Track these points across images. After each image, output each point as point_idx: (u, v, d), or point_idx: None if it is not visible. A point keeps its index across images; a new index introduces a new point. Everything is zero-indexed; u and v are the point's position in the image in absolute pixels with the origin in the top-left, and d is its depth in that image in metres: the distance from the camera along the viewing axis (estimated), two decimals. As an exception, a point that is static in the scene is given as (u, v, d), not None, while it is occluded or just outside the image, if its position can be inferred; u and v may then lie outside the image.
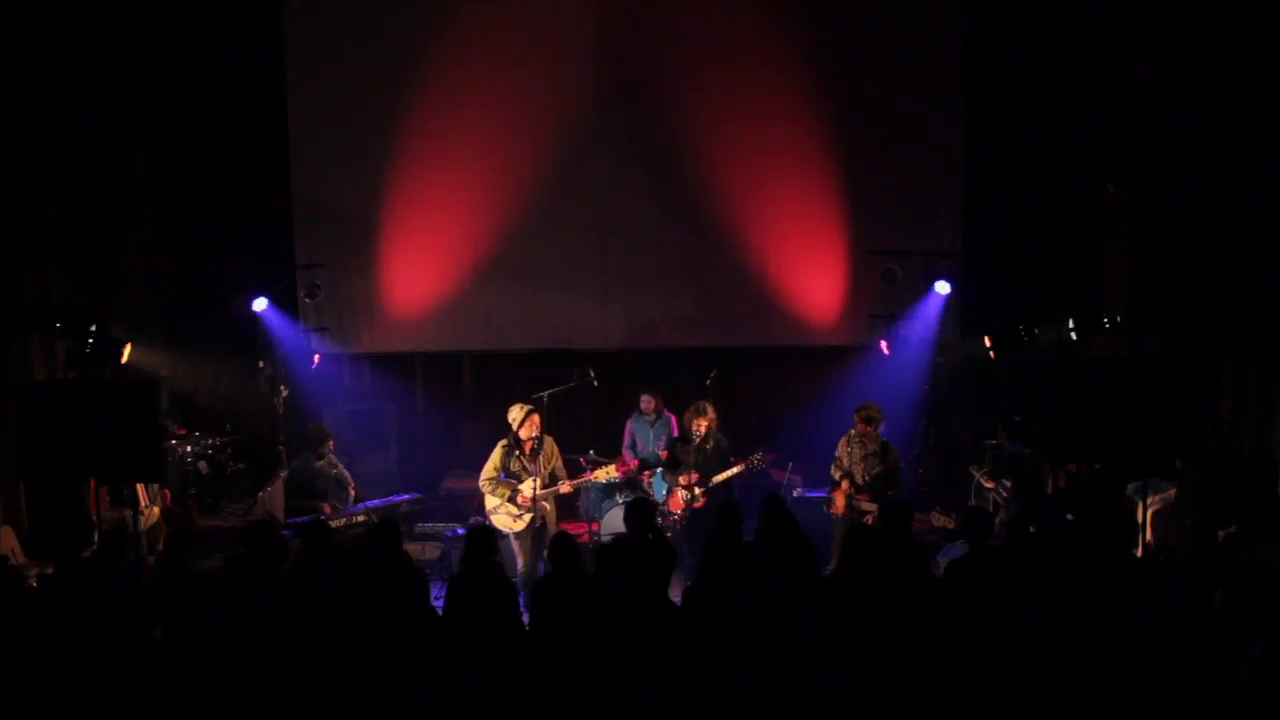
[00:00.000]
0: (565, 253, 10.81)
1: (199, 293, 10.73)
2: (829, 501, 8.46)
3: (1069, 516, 7.98)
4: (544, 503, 8.12)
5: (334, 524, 8.48)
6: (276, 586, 5.89)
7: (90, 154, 9.41)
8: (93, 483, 7.58)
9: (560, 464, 8.29)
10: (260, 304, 9.97)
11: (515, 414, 8.21)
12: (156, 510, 8.96)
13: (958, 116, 10.66)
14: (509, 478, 8.19)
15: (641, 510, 6.49)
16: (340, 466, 9.52)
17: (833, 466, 8.52)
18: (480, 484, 8.27)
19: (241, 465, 10.59)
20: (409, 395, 11.49)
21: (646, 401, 9.66)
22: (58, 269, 9.31)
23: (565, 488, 8.18)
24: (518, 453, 8.17)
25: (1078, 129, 10.32)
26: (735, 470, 8.42)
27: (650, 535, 6.49)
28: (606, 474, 8.51)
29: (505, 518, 8.20)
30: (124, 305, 9.86)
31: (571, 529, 8.45)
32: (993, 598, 5.67)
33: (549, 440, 8.26)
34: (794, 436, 10.33)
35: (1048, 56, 10.31)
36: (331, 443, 9.47)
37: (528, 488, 8.10)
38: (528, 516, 8.10)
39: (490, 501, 8.24)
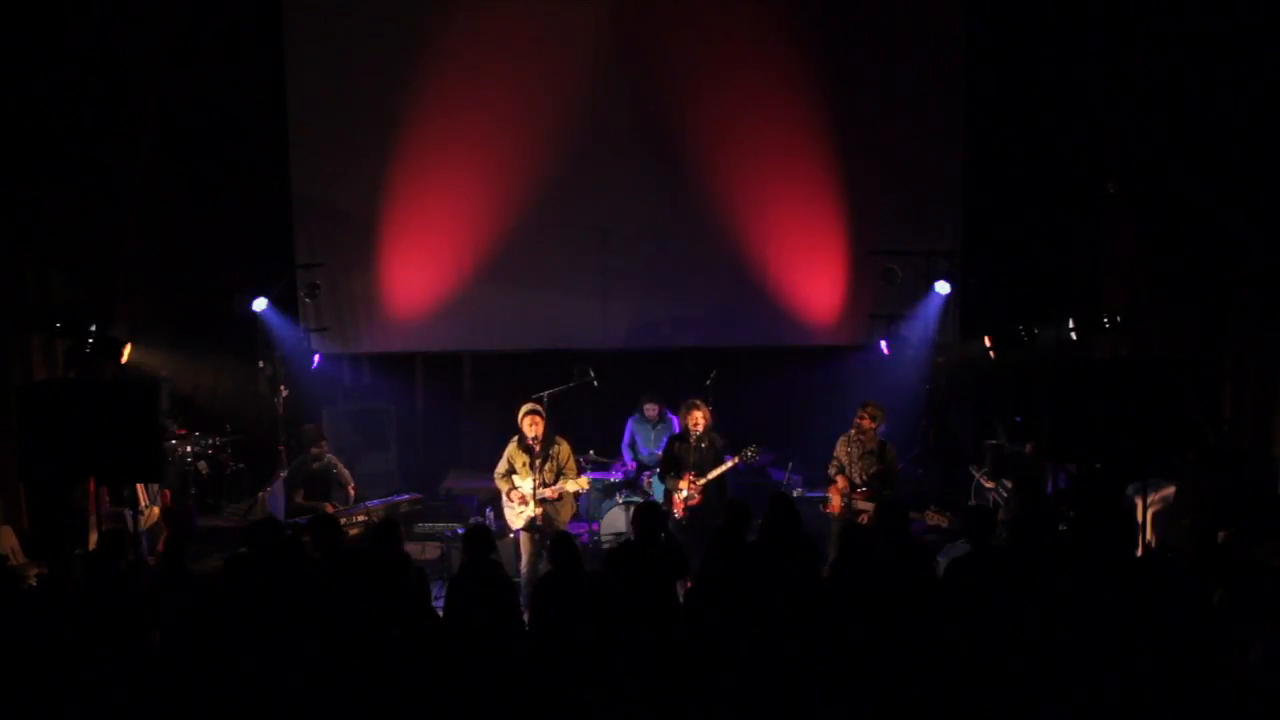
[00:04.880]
0: (565, 253, 10.81)
1: (199, 293, 10.71)
2: (825, 500, 8.47)
3: (1070, 516, 7.98)
4: (547, 505, 8.12)
5: (334, 524, 8.49)
6: (276, 587, 5.89)
7: (90, 154, 9.39)
8: (92, 482, 7.58)
9: (572, 467, 8.28)
10: (260, 304, 9.96)
11: (520, 413, 8.26)
12: (156, 510, 8.95)
13: (958, 117, 10.68)
14: (512, 474, 8.22)
15: (652, 514, 6.48)
16: (340, 466, 9.52)
17: (830, 466, 8.52)
18: (494, 476, 8.34)
19: (241, 465, 10.58)
20: (409, 395, 11.49)
21: (650, 410, 9.68)
22: (58, 269, 9.30)
23: (549, 493, 8.15)
24: (522, 452, 8.19)
25: (1078, 128, 10.32)
26: (729, 465, 8.42)
27: (663, 537, 6.49)
28: (576, 486, 8.46)
29: (510, 511, 8.25)
30: (124, 305, 9.84)
31: (571, 529, 8.46)
32: (993, 597, 5.67)
33: (562, 444, 8.26)
34: (793, 436, 10.35)
35: (1048, 57, 10.32)
36: (325, 444, 9.47)
37: (526, 486, 8.11)
38: (526, 515, 8.12)
39: (503, 496, 8.30)
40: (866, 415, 8.37)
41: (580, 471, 8.63)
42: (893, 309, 10.40)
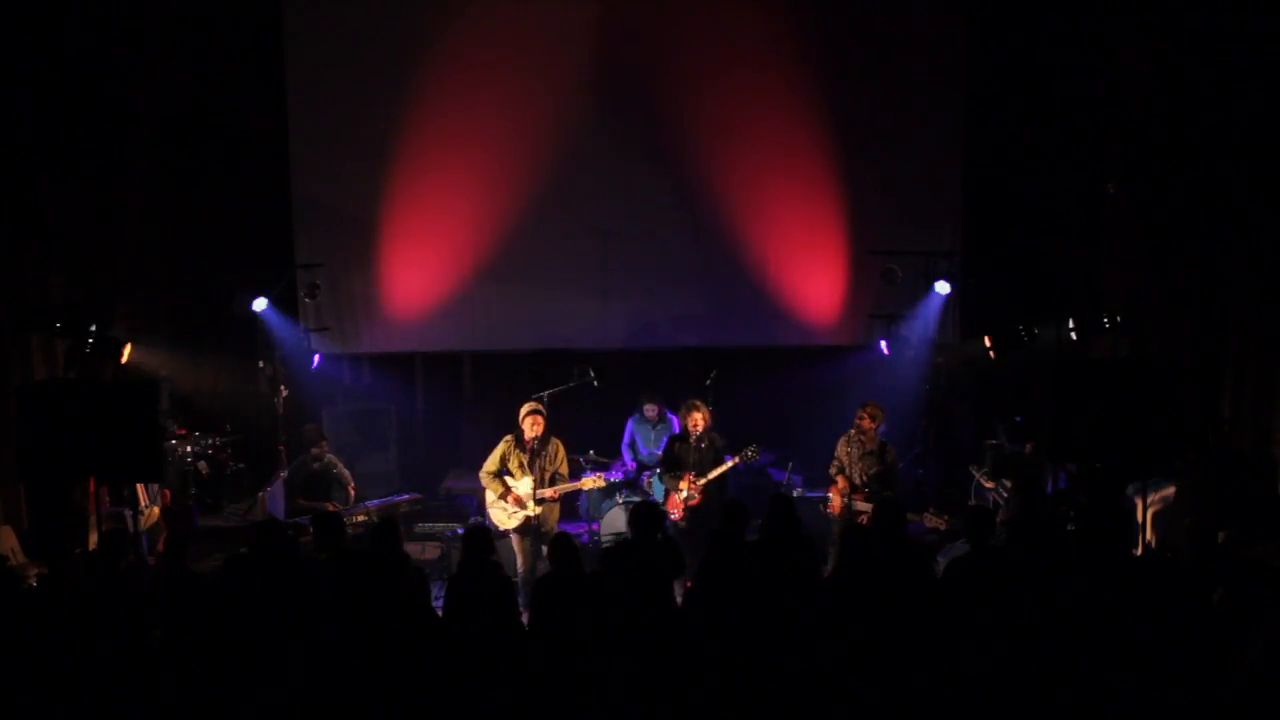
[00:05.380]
0: (565, 253, 10.81)
1: (199, 293, 10.72)
2: (825, 500, 8.48)
3: (1077, 515, 7.97)
4: (540, 505, 8.12)
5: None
6: (276, 586, 5.89)
7: (90, 154, 9.40)
8: (92, 482, 7.58)
9: (565, 468, 8.29)
10: (260, 304, 9.95)
11: (521, 412, 8.26)
12: (156, 510, 8.95)
13: (958, 116, 10.67)
14: (506, 474, 8.21)
15: (649, 513, 6.48)
16: (340, 466, 9.51)
17: (832, 466, 8.53)
18: (480, 475, 8.31)
19: (241, 465, 10.57)
20: (409, 395, 11.49)
21: (650, 410, 9.68)
22: (58, 269, 9.30)
23: (548, 493, 8.15)
24: (518, 451, 8.19)
25: (1078, 129, 10.32)
26: (729, 465, 8.43)
27: (660, 537, 6.49)
28: (593, 483, 8.51)
29: (500, 514, 8.24)
30: (124, 305, 9.84)
31: (571, 529, 8.46)
32: (992, 597, 5.68)
33: (556, 443, 8.27)
34: (793, 436, 10.34)
35: (1048, 56, 10.32)
36: (325, 444, 9.46)
37: (522, 487, 8.11)
38: (520, 515, 8.12)
39: (488, 495, 8.30)
40: (866, 415, 8.39)
41: (579, 471, 8.63)
42: (893, 309, 10.39)
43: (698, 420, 8.46)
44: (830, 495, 8.41)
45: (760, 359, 11.17)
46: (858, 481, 8.32)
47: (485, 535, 6.27)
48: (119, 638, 5.58)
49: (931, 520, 8.41)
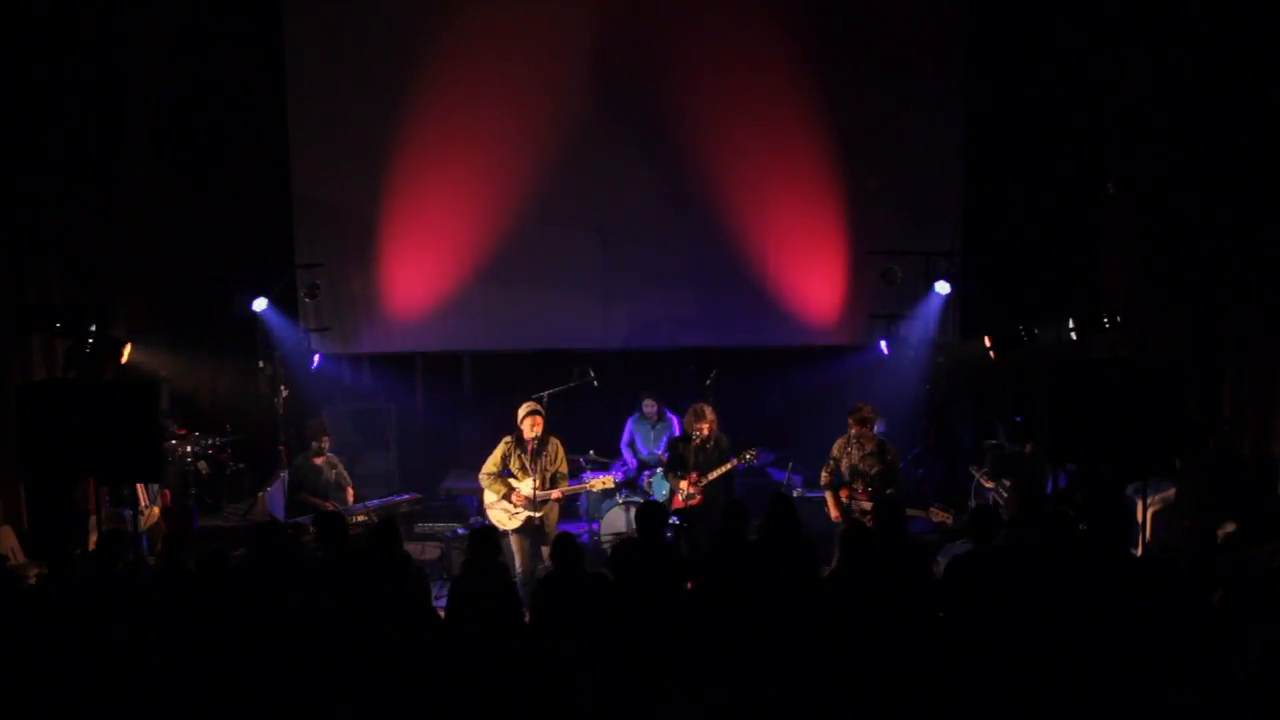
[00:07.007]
0: (565, 253, 10.81)
1: (199, 293, 10.72)
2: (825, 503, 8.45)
3: (1085, 515, 7.96)
4: (542, 505, 8.12)
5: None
6: (277, 586, 5.89)
7: (90, 154, 9.40)
8: (92, 483, 7.58)
9: (564, 468, 8.28)
10: (260, 304, 9.96)
11: (520, 412, 8.25)
12: (156, 510, 8.94)
13: (958, 116, 10.67)
14: (508, 475, 8.20)
15: (654, 514, 6.47)
16: (340, 467, 9.50)
17: (824, 468, 8.47)
18: (480, 477, 8.30)
19: (241, 465, 10.57)
20: (409, 395, 11.49)
21: (649, 406, 9.68)
22: (58, 269, 9.30)
23: (554, 494, 8.16)
24: (519, 451, 8.18)
25: (1078, 129, 10.32)
26: (728, 466, 8.43)
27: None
28: (602, 484, 8.51)
29: (500, 514, 8.22)
30: (124, 305, 9.84)
31: (571, 529, 8.46)
32: (992, 596, 5.68)
33: (555, 443, 8.26)
34: (794, 436, 10.34)
35: (1048, 56, 10.32)
36: (327, 439, 9.45)
37: (525, 488, 8.10)
38: (522, 515, 8.11)
39: (488, 496, 8.27)
40: (856, 420, 8.35)
41: (578, 470, 8.63)
42: (893, 309, 10.39)
43: (704, 429, 8.46)
44: (828, 505, 8.35)
45: (760, 359, 11.17)
46: (858, 487, 8.28)
47: (492, 536, 6.27)
48: (119, 638, 5.58)
49: (938, 515, 8.37)
